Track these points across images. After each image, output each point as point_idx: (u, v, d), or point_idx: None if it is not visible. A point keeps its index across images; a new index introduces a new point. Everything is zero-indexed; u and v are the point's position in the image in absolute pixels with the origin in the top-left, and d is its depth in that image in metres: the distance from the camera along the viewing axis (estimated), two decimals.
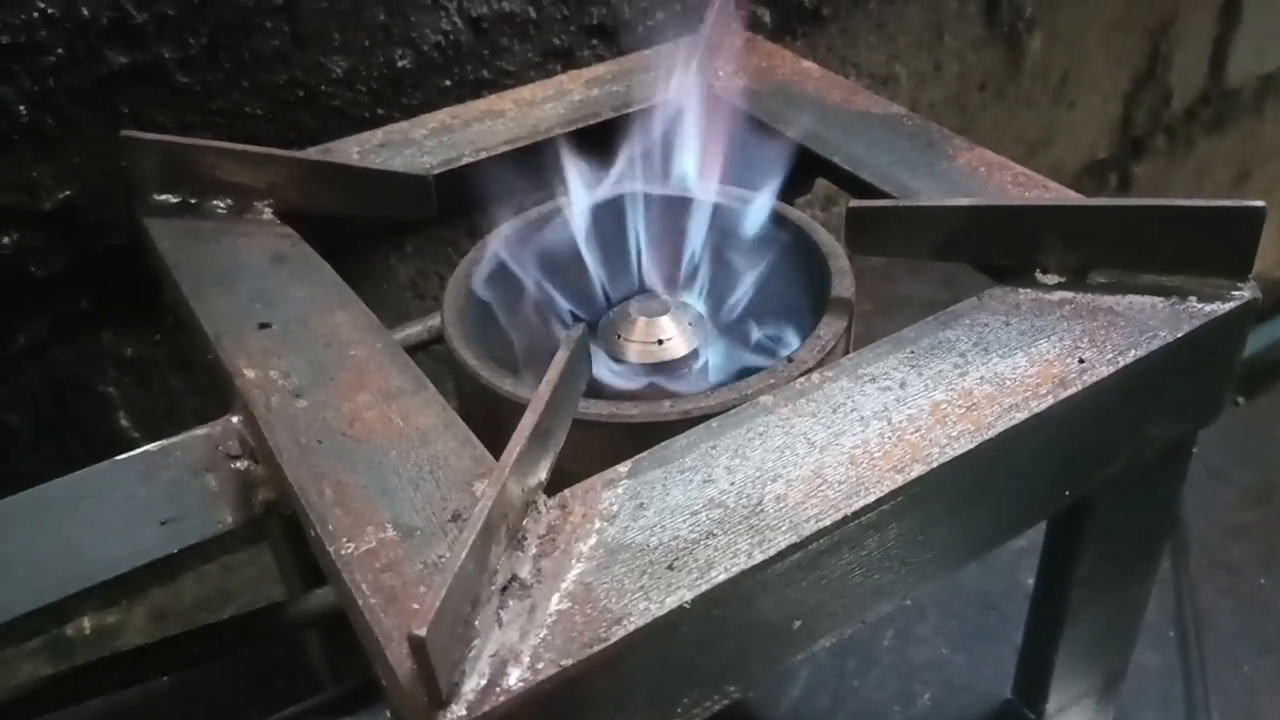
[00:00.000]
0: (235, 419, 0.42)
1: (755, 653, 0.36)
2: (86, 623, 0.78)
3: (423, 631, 0.28)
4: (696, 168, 0.53)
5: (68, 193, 0.60)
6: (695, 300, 0.52)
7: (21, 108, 0.56)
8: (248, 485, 0.41)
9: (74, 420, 0.68)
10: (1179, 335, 0.41)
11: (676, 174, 0.53)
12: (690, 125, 0.54)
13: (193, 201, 0.51)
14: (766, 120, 0.57)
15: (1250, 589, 0.75)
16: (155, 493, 0.40)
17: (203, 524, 0.41)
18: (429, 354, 0.58)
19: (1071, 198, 0.48)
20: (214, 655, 0.46)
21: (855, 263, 0.49)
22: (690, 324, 0.50)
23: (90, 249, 0.62)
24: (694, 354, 0.49)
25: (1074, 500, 0.44)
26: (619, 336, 0.50)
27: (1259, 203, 0.41)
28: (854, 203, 0.46)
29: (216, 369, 0.44)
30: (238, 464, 0.42)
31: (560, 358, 0.38)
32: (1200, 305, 0.42)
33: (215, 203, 0.51)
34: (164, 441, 0.40)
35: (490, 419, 0.44)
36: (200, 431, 0.41)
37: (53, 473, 0.39)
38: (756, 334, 0.50)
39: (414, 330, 0.56)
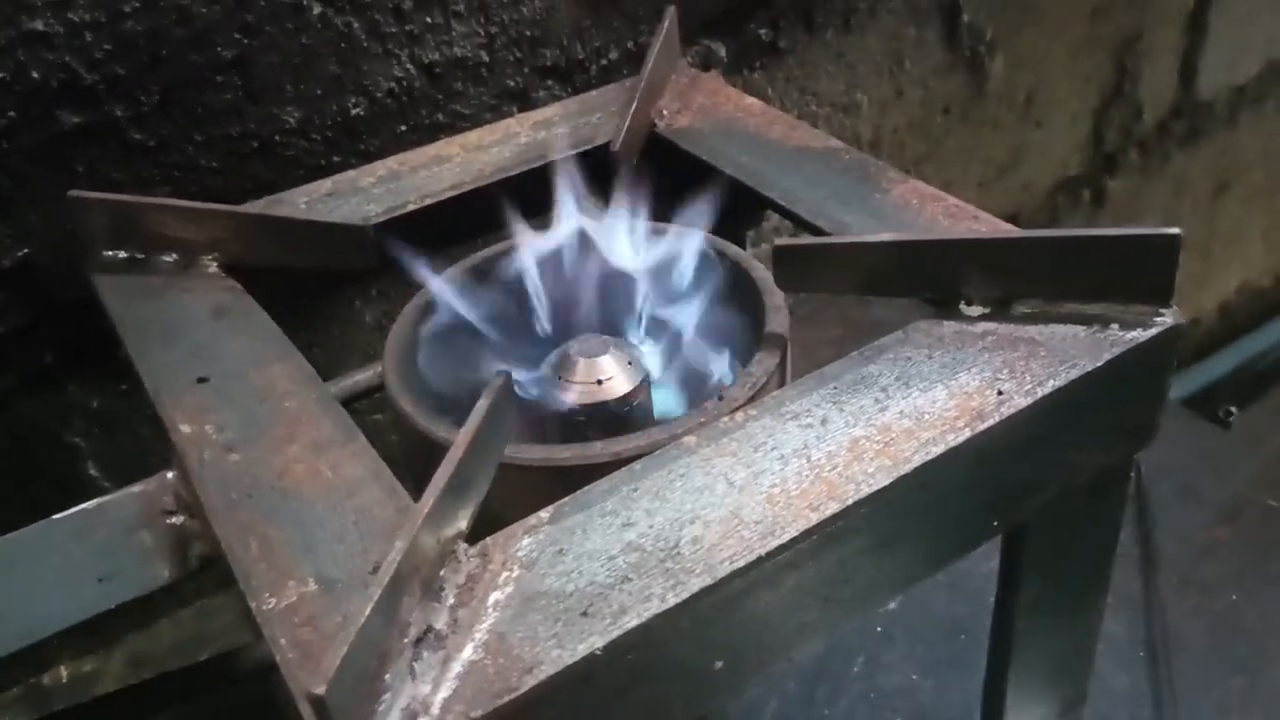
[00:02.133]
0: (170, 474, 0.43)
1: (678, 697, 0.36)
2: (64, 671, 0.78)
3: (321, 690, 0.28)
4: (632, 208, 0.54)
5: (25, 250, 0.61)
6: (636, 338, 0.53)
7: None
8: (184, 540, 0.42)
9: (43, 470, 0.69)
10: (1099, 363, 0.41)
11: (612, 215, 0.54)
12: (627, 166, 0.54)
13: (140, 257, 0.52)
14: (706, 158, 0.58)
15: (1222, 607, 0.74)
16: (91, 551, 0.41)
17: (139, 580, 0.41)
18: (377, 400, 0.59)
19: (999, 229, 0.49)
20: (186, 699, 0.47)
21: None
22: (630, 363, 0.50)
23: (50, 304, 0.63)
24: (633, 392, 0.50)
25: (1007, 529, 0.44)
26: (560, 378, 0.50)
27: (1174, 230, 0.41)
28: (779, 241, 0.46)
29: (158, 424, 0.45)
30: (173, 519, 0.42)
31: (481, 406, 0.38)
32: (1122, 333, 0.42)
33: (162, 258, 0.52)
34: (99, 500, 0.41)
35: (428, 465, 0.44)
36: (135, 489, 0.42)
37: (20, 523, 0.40)
38: (696, 370, 0.51)
39: (364, 376, 0.57)
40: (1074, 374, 0.41)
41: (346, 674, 0.29)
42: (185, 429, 0.43)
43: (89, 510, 0.41)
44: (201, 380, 0.46)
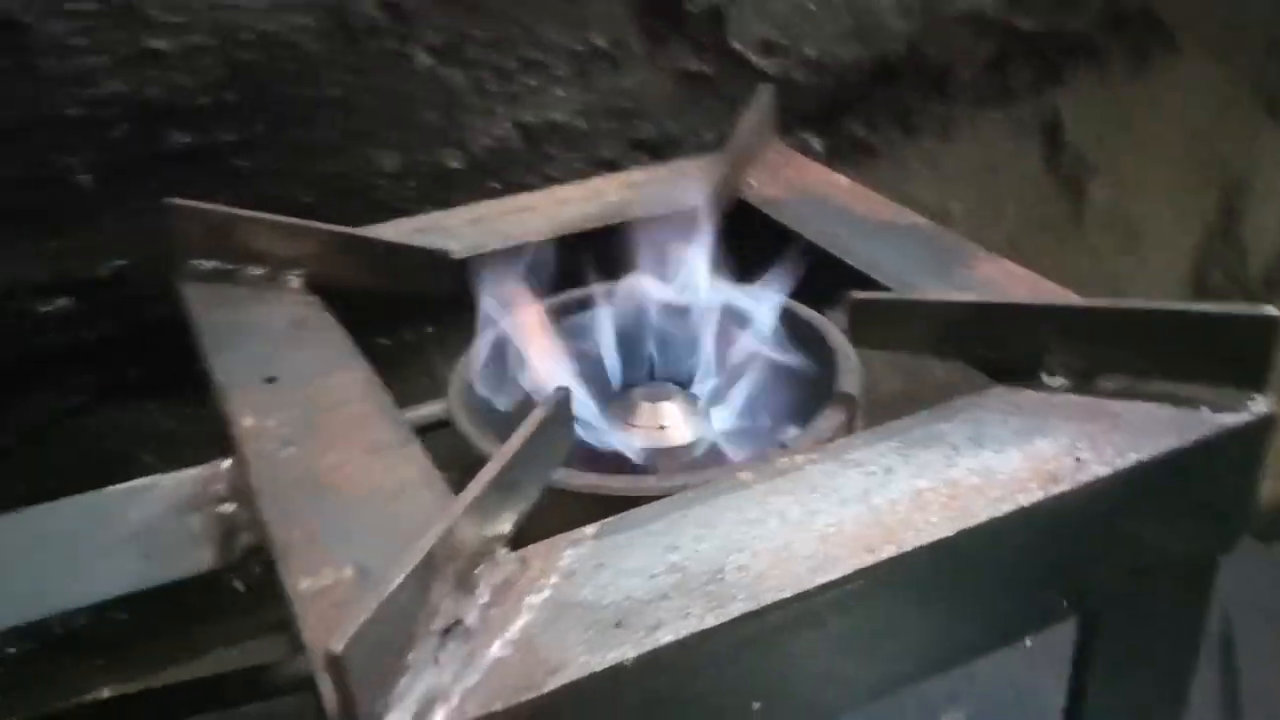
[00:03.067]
0: (226, 464, 0.43)
1: None
2: (107, 691, 0.78)
3: (339, 648, 0.27)
4: (712, 268, 0.54)
5: (121, 262, 0.63)
6: (704, 393, 0.52)
7: (85, 177, 0.59)
8: (231, 528, 0.42)
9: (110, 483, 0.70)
10: (1184, 443, 0.39)
11: (692, 273, 0.54)
12: (709, 229, 0.55)
13: (228, 268, 0.54)
14: (789, 224, 0.57)
15: None
16: (139, 527, 0.41)
17: (183, 562, 0.41)
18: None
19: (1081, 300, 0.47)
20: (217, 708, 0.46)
21: None
22: (694, 414, 0.50)
23: (138, 320, 0.65)
24: (695, 444, 0.49)
25: (1078, 613, 0.41)
26: (622, 420, 0.50)
27: (1272, 310, 0.39)
28: (856, 294, 0.46)
29: (221, 418, 0.45)
30: (224, 507, 0.42)
31: (537, 414, 0.38)
32: (1210, 415, 0.40)
33: (249, 270, 0.54)
34: (153, 478, 0.41)
35: None
36: (191, 472, 0.42)
37: None
38: (764, 429, 0.50)
39: (431, 410, 0.57)
40: (1157, 450, 0.39)
41: (366, 639, 0.28)
42: (247, 422, 0.43)
43: (143, 487, 0.41)
44: (269, 380, 0.46)
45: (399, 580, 0.30)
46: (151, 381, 0.68)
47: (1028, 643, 0.70)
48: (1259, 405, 0.41)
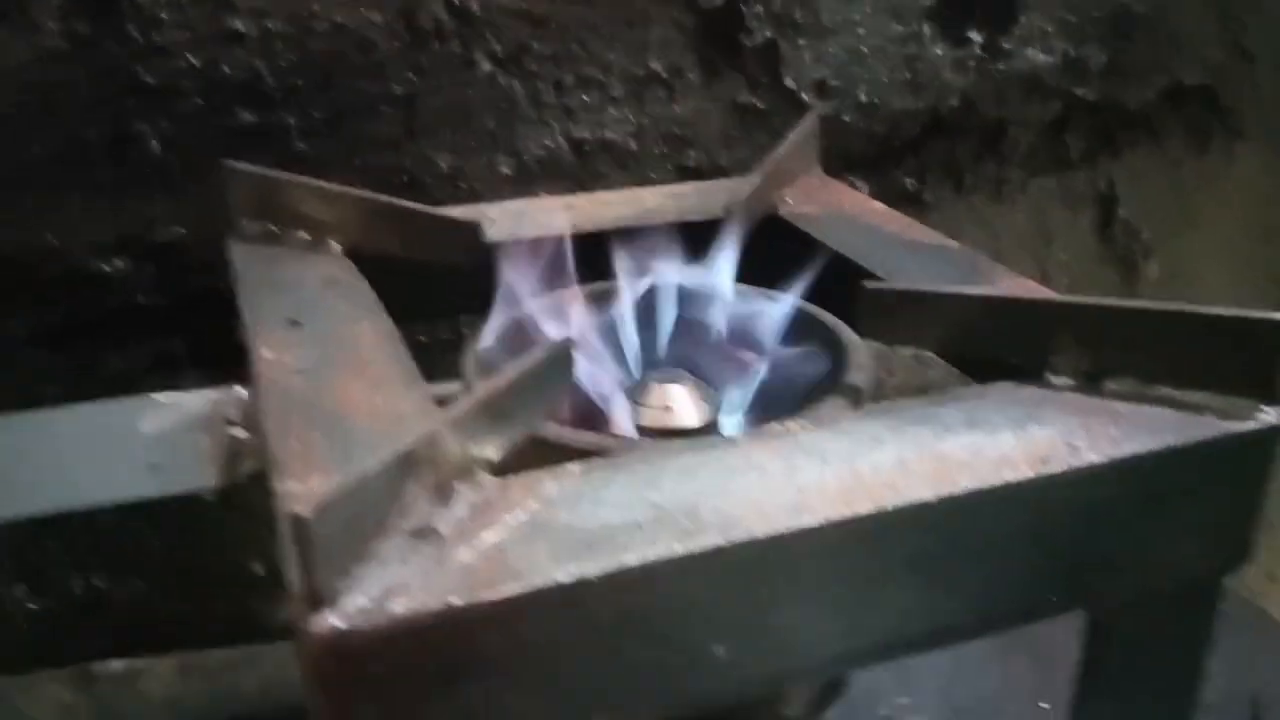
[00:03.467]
0: (242, 390, 0.44)
1: (672, 672, 0.34)
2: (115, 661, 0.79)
3: (306, 512, 0.28)
4: (735, 270, 0.55)
5: (181, 230, 0.66)
6: (715, 383, 0.53)
7: (155, 144, 0.63)
8: (238, 452, 0.43)
9: None
10: (1185, 442, 0.39)
11: (716, 273, 0.55)
12: (737, 234, 0.56)
13: (275, 230, 0.56)
14: (818, 236, 0.58)
15: None
16: (150, 438, 0.42)
17: (187, 477, 0.42)
18: None
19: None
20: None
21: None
22: (703, 400, 0.50)
23: (192, 290, 0.68)
24: (701, 429, 0.49)
25: (1068, 610, 0.41)
26: (632, 400, 0.50)
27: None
28: (868, 284, 0.46)
29: (245, 354, 0.47)
30: (234, 430, 0.44)
31: (536, 353, 0.39)
32: (1215, 421, 0.40)
33: (297, 233, 0.56)
34: (169, 394, 0.43)
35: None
36: (207, 393, 0.44)
37: None
38: (768, 421, 0.50)
39: (445, 389, 0.58)
40: (1155, 445, 0.39)
41: (334, 513, 0.29)
42: (266, 354, 0.45)
43: (158, 401, 0.43)
44: (294, 323, 0.48)
45: (375, 468, 0.31)
46: (198, 356, 0.70)
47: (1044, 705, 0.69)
48: (1267, 415, 0.40)
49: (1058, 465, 0.37)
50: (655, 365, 0.54)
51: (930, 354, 0.49)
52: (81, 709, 0.77)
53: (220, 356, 0.69)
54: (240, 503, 0.70)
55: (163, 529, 0.72)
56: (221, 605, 0.74)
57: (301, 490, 0.29)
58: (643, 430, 0.49)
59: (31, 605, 0.76)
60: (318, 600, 0.29)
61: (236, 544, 0.69)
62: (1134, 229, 1.02)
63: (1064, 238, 0.99)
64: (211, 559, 0.72)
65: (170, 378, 0.71)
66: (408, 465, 0.32)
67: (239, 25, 0.61)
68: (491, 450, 0.36)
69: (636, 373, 0.53)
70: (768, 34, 0.77)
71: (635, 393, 0.51)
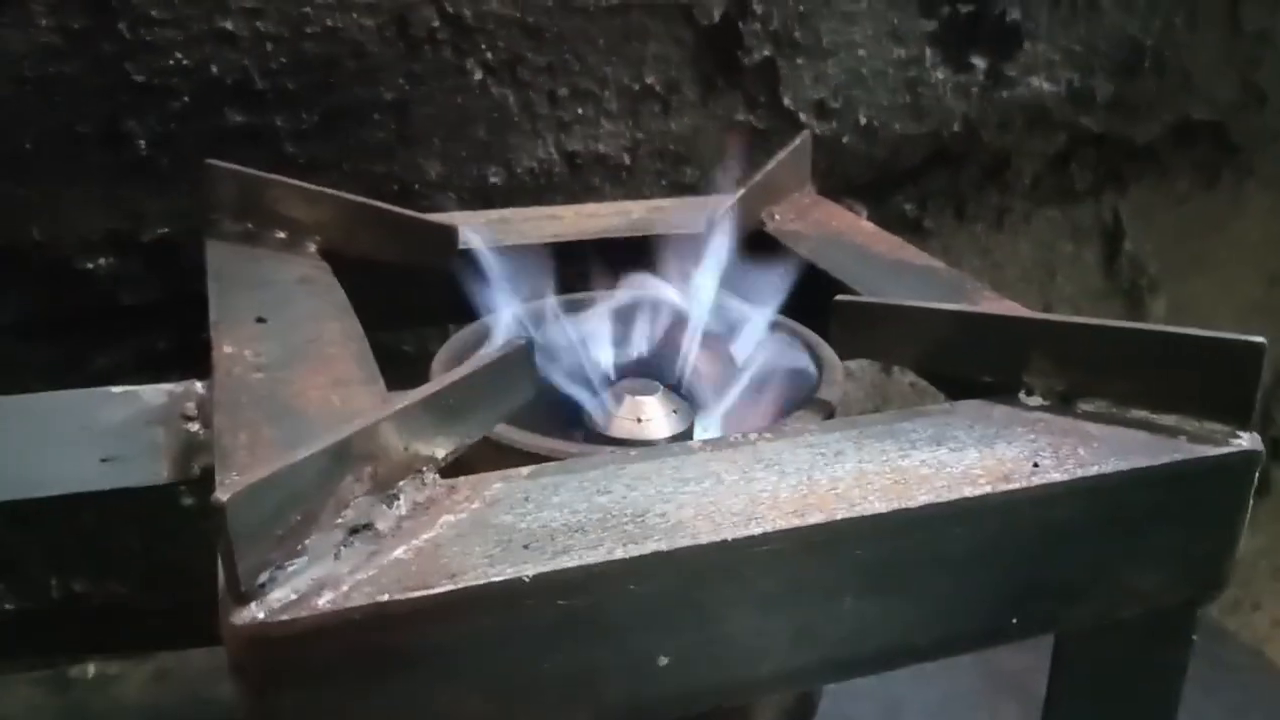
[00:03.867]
0: (201, 385, 0.44)
1: (615, 680, 0.33)
2: (91, 668, 0.78)
3: (224, 497, 0.28)
4: (716, 282, 0.54)
5: (166, 230, 0.65)
6: (689, 395, 0.52)
7: (144, 142, 0.62)
8: (193, 447, 0.43)
9: None
10: (1154, 463, 0.38)
11: (695, 284, 0.54)
12: (720, 247, 0.55)
13: (253, 229, 0.56)
14: (803, 253, 0.58)
15: None
16: (104, 431, 0.42)
17: (140, 471, 0.42)
18: None
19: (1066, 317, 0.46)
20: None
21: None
22: (675, 412, 0.49)
23: (178, 290, 0.68)
24: (672, 439, 0.48)
25: (1031, 635, 0.40)
26: (603, 410, 0.50)
27: (1258, 338, 0.38)
28: (840, 297, 0.45)
29: (206, 350, 0.46)
30: (190, 425, 0.43)
31: (491, 353, 0.38)
32: (1186, 444, 0.39)
33: (274, 233, 0.55)
34: (125, 388, 0.42)
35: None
36: (164, 387, 0.43)
37: None
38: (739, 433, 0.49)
39: None
40: (1122, 466, 0.38)
41: (257, 500, 0.29)
42: (227, 349, 0.44)
43: (114, 394, 0.42)
44: (259, 320, 0.47)
45: (305, 454, 0.30)
46: (182, 353, 0.70)
47: None
48: (1243, 440, 0.39)
49: (1019, 483, 0.36)
50: (630, 376, 0.53)
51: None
52: (54, 713, 0.76)
53: (201, 358, 0.70)
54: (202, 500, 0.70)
55: (141, 527, 0.72)
56: (199, 605, 0.73)
57: (232, 480, 0.28)
58: (613, 440, 0.48)
59: (8, 605, 0.76)
60: (238, 591, 0.29)
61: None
62: (1140, 264, 1.01)
63: (1068, 270, 0.98)
64: (188, 557, 0.71)
65: (155, 377, 0.70)
66: (343, 458, 0.32)
67: (230, 26, 0.62)
68: (439, 449, 0.36)
69: (610, 383, 0.52)
70: (766, 52, 0.77)
71: (607, 402, 0.50)
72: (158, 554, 0.74)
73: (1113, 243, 0.99)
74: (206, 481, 0.43)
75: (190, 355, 0.69)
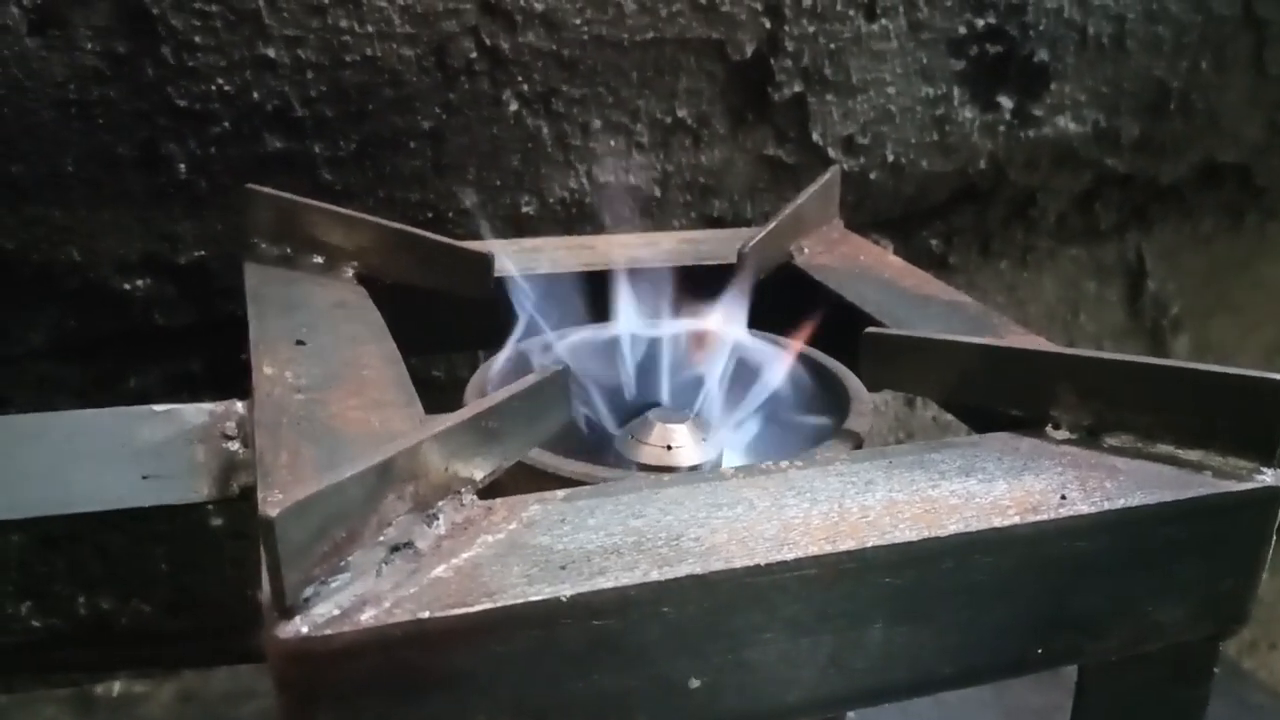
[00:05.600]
0: (241, 405, 0.45)
1: (643, 700, 0.34)
2: (117, 685, 0.79)
3: (273, 513, 0.28)
4: (744, 313, 0.55)
5: (202, 253, 0.67)
6: (718, 424, 0.52)
7: (183, 166, 0.64)
8: (232, 466, 0.43)
9: None
10: (1178, 498, 0.38)
11: (724, 315, 0.55)
12: (747, 278, 0.56)
13: (291, 254, 0.57)
14: (831, 286, 0.58)
15: None
16: (146, 448, 0.42)
17: (180, 488, 0.42)
18: None
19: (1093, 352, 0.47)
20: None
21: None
22: (704, 440, 0.50)
23: (211, 313, 0.69)
24: (701, 467, 0.49)
25: (1056, 665, 0.40)
26: (633, 437, 0.50)
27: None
28: (870, 330, 0.46)
29: (245, 371, 0.47)
30: (230, 444, 0.44)
31: (530, 378, 0.39)
32: (1211, 479, 0.39)
33: (310, 258, 0.57)
34: (168, 406, 0.43)
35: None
36: (206, 406, 0.44)
37: None
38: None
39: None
40: (1148, 500, 0.38)
41: (305, 516, 0.29)
42: (267, 370, 0.45)
43: (157, 412, 0.43)
44: (299, 343, 0.48)
45: (350, 473, 0.31)
46: (213, 377, 0.71)
47: None
48: (1265, 477, 0.39)
49: (1047, 514, 0.37)
50: (660, 404, 0.54)
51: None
52: None
53: (239, 380, 0.71)
54: (240, 521, 0.71)
55: (170, 548, 0.73)
56: (222, 628, 0.74)
57: (278, 498, 0.29)
58: (642, 467, 0.48)
59: (35, 623, 0.76)
60: (283, 605, 0.29)
61: (240, 565, 0.69)
62: (1163, 303, 1.01)
63: (1092, 308, 0.98)
64: (213, 581, 0.72)
65: (187, 398, 0.71)
66: (386, 477, 0.32)
67: (272, 53, 0.63)
68: (478, 471, 0.36)
69: (640, 410, 0.53)
70: (796, 88, 0.78)
71: (638, 430, 0.50)
72: (184, 577, 0.75)
73: (1136, 282, 0.99)
74: (245, 500, 0.44)
75: (222, 378, 0.71)
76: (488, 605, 0.31)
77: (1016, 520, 0.36)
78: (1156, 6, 0.89)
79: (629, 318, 0.56)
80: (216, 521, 0.75)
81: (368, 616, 0.30)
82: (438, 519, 0.35)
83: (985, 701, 0.77)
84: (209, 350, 0.70)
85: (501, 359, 0.53)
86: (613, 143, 0.73)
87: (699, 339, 0.55)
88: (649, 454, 0.49)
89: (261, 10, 0.62)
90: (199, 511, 0.72)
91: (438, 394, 0.75)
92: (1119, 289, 0.99)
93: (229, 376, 0.70)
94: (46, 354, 0.68)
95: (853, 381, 0.51)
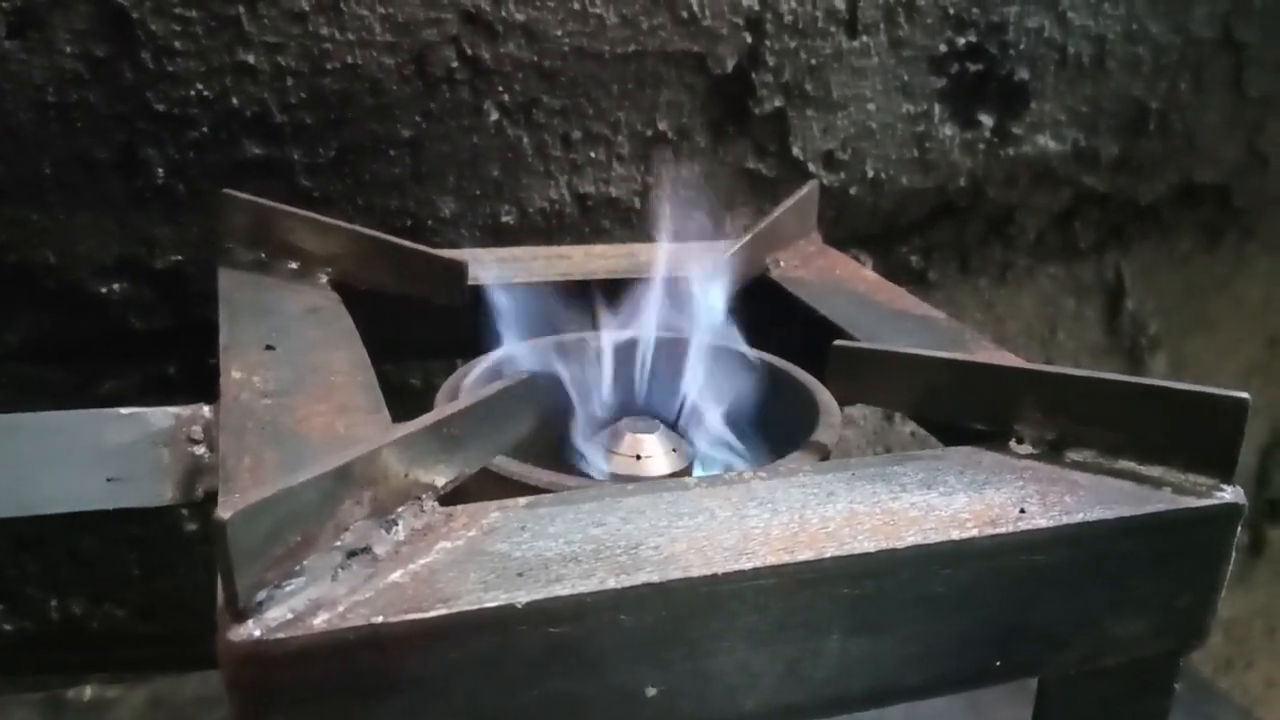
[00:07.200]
0: (208, 409, 0.45)
1: (600, 707, 0.34)
2: (89, 690, 0.79)
3: (226, 515, 0.28)
4: (717, 324, 0.55)
5: (179, 257, 0.67)
6: (689, 434, 0.52)
7: (161, 170, 0.64)
8: (197, 469, 0.44)
9: None
10: (1137, 514, 0.38)
11: (697, 325, 0.55)
12: (721, 289, 0.56)
13: (264, 258, 0.57)
14: (804, 299, 0.59)
15: None
16: (111, 450, 0.42)
17: (144, 492, 0.43)
18: None
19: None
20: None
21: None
22: (674, 450, 0.50)
23: (188, 317, 0.69)
24: (671, 476, 0.49)
25: (1015, 678, 0.40)
26: (604, 448, 0.50)
27: (1242, 394, 0.39)
28: (838, 343, 0.46)
29: (214, 375, 0.47)
30: (195, 448, 0.44)
31: (495, 385, 0.39)
32: (1171, 495, 0.40)
33: (285, 264, 0.57)
34: (134, 409, 0.43)
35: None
36: (171, 410, 0.44)
37: None
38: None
39: None
40: (1107, 515, 0.38)
41: (258, 519, 0.29)
42: (236, 375, 0.45)
43: (123, 415, 0.43)
44: (268, 347, 0.48)
45: (305, 477, 0.31)
46: (188, 380, 0.71)
47: None
48: (1225, 493, 0.40)
49: (1005, 528, 0.37)
50: (630, 414, 0.54)
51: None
52: None
53: (210, 384, 0.71)
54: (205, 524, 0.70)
55: (141, 553, 0.72)
56: (194, 633, 0.74)
57: (234, 500, 0.29)
58: (613, 476, 0.49)
59: (7, 626, 0.76)
60: (236, 608, 0.29)
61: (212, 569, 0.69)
62: (1141, 321, 1.01)
63: (1069, 326, 0.99)
64: (185, 585, 0.72)
65: (163, 402, 0.71)
66: (344, 482, 0.32)
67: (251, 59, 0.63)
68: (439, 477, 0.37)
69: (611, 420, 0.53)
70: (777, 103, 0.78)
71: (608, 439, 0.51)
72: (156, 581, 0.75)
73: (1114, 300, 1.00)
74: (210, 504, 0.43)
75: (198, 381, 0.71)
76: (442, 611, 0.31)
77: (975, 533, 0.37)
78: (1136, 27, 0.90)
79: (603, 328, 0.56)
80: (190, 526, 0.75)
81: (321, 620, 0.30)
82: (397, 525, 0.35)
83: (959, 714, 0.77)
84: (186, 354, 0.70)
85: (475, 367, 0.53)
86: (593, 154, 0.73)
87: (672, 349, 0.55)
88: (619, 463, 0.50)
89: (242, 16, 0.63)
90: (172, 515, 0.72)
91: (414, 400, 0.75)
92: (1097, 307, 0.99)
93: (205, 380, 0.70)
94: (23, 356, 0.67)
95: (823, 394, 0.51)
